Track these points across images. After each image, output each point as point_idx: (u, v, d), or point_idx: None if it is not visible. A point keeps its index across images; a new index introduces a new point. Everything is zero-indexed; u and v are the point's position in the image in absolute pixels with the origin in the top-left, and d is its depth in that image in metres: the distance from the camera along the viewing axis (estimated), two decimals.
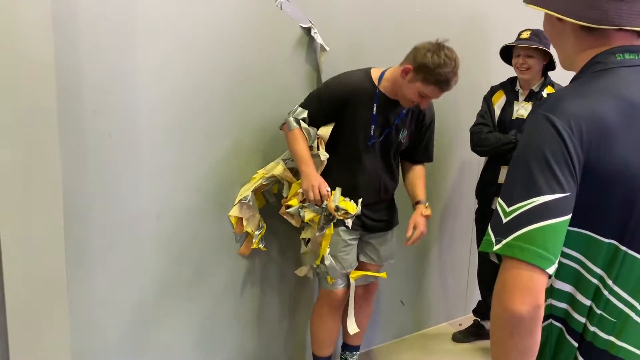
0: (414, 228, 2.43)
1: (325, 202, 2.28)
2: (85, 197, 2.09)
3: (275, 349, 2.75)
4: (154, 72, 2.16)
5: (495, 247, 0.98)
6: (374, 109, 2.35)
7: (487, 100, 2.99)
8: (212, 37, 2.28)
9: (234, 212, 2.43)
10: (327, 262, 2.38)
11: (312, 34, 2.50)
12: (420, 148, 2.59)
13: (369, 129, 2.37)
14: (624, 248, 1.04)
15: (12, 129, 1.68)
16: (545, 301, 1.07)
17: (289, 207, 2.39)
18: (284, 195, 2.48)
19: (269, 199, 2.55)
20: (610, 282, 1.05)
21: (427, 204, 2.52)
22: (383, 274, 2.56)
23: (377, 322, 2.76)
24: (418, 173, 2.60)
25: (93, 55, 2.02)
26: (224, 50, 2.32)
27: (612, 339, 1.07)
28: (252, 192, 2.42)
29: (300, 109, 2.37)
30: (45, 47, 1.71)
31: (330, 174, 2.39)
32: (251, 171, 2.47)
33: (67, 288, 1.86)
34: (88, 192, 2.10)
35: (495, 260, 1.04)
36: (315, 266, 2.44)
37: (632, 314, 1.06)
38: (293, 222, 2.43)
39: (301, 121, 2.34)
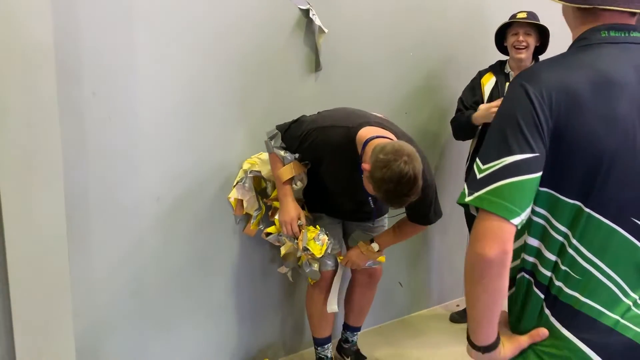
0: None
1: (296, 240, 2.33)
2: (86, 180, 2.10)
3: (274, 331, 2.79)
4: (153, 55, 2.16)
5: (468, 198, 1.10)
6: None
7: (475, 83, 2.99)
8: (210, 20, 2.27)
9: (233, 194, 2.45)
10: (309, 268, 2.40)
11: (311, 15, 2.50)
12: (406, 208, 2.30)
13: (361, 197, 2.27)
14: (587, 210, 1.11)
15: (12, 112, 1.69)
16: (520, 256, 1.19)
17: (268, 234, 2.44)
18: (269, 193, 2.50)
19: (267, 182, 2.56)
20: (574, 241, 1.13)
21: (373, 247, 2.40)
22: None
23: (376, 302, 2.78)
24: (403, 231, 2.42)
25: (92, 37, 2.02)
26: (223, 33, 2.32)
27: (576, 294, 1.15)
28: (246, 174, 2.44)
29: (279, 136, 2.29)
30: (43, 30, 1.71)
31: (309, 191, 2.40)
32: (249, 154, 2.48)
33: (69, 270, 1.88)
34: (88, 175, 2.11)
35: (475, 213, 1.13)
36: (298, 267, 2.47)
37: (597, 273, 1.14)
38: (276, 243, 2.49)
39: (274, 148, 2.28)
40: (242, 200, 2.46)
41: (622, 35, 1.14)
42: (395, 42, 2.87)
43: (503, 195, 1.06)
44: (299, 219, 2.31)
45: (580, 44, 1.17)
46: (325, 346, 2.63)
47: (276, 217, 2.39)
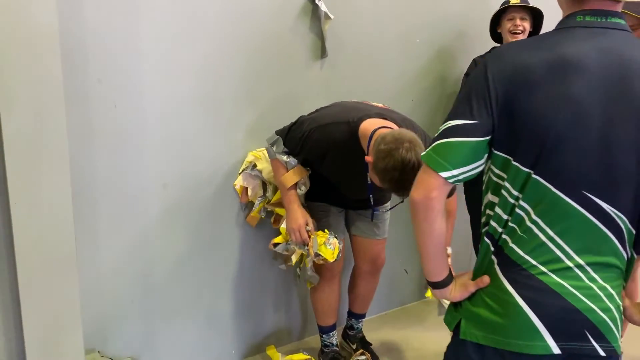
0: None
1: (306, 247, 2.28)
2: (92, 167, 2.11)
3: (280, 318, 2.80)
4: (158, 42, 2.16)
5: (422, 154, 1.28)
6: (369, 178, 2.12)
7: (471, 71, 2.98)
8: (216, 7, 2.26)
9: (239, 181, 2.45)
10: (309, 272, 2.38)
11: (317, 1, 2.47)
12: None
13: (364, 191, 2.22)
14: (535, 176, 1.22)
15: (19, 99, 1.69)
16: (485, 212, 1.34)
17: (276, 244, 2.39)
18: (269, 197, 2.47)
19: None
20: (523, 203, 1.24)
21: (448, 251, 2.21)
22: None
23: (382, 290, 2.79)
24: (448, 219, 2.26)
25: (97, 24, 2.01)
26: (229, 20, 2.30)
27: (518, 250, 1.26)
28: (252, 163, 2.44)
29: (280, 140, 2.26)
30: (48, 17, 1.70)
31: (311, 182, 2.35)
32: (256, 141, 2.47)
33: (76, 258, 1.88)
34: (95, 163, 2.11)
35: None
36: (298, 271, 2.46)
37: (540, 234, 1.24)
38: (285, 253, 2.42)
39: (277, 154, 2.26)
40: (247, 188, 2.46)
41: (598, 20, 1.22)
42: (402, 28, 2.84)
43: (438, 152, 1.24)
44: (307, 224, 2.27)
45: (557, 27, 1.27)
46: (331, 334, 2.64)
47: (282, 225, 2.35)
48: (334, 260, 2.29)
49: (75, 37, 1.97)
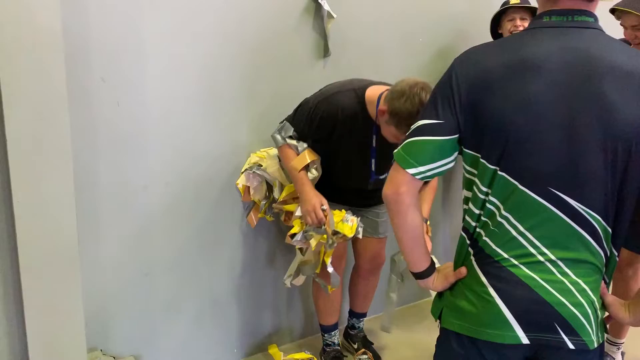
0: None
1: (323, 226, 2.24)
2: (95, 165, 2.11)
3: (281, 317, 2.80)
4: (161, 40, 2.16)
5: (395, 152, 1.33)
6: (374, 141, 2.22)
7: None
8: (218, 6, 2.26)
9: (241, 180, 2.45)
10: (330, 270, 2.35)
11: (319, 0, 2.47)
12: None
13: (368, 161, 2.28)
14: (501, 173, 1.26)
15: (22, 98, 1.69)
16: (463, 206, 1.38)
17: (293, 235, 2.32)
18: (276, 196, 2.45)
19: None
20: (493, 199, 1.28)
21: (427, 223, 2.35)
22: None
23: (382, 289, 2.79)
24: (427, 191, 2.37)
25: (100, 22, 2.02)
26: (232, 20, 2.30)
27: (490, 242, 1.30)
28: (256, 164, 2.43)
29: (287, 125, 2.28)
30: (52, 16, 1.70)
31: (318, 181, 2.34)
32: (258, 140, 2.48)
33: (79, 254, 1.89)
34: (98, 161, 2.12)
35: None
36: (314, 275, 2.42)
37: (510, 228, 1.28)
38: (303, 246, 2.35)
39: (287, 138, 2.27)
40: (249, 187, 2.46)
41: (564, 19, 1.24)
42: (405, 27, 2.84)
43: (406, 150, 1.30)
44: (322, 204, 2.24)
45: (527, 27, 1.31)
46: (332, 333, 2.65)
47: (297, 213, 2.31)
48: (352, 235, 2.27)
49: (78, 36, 1.97)
